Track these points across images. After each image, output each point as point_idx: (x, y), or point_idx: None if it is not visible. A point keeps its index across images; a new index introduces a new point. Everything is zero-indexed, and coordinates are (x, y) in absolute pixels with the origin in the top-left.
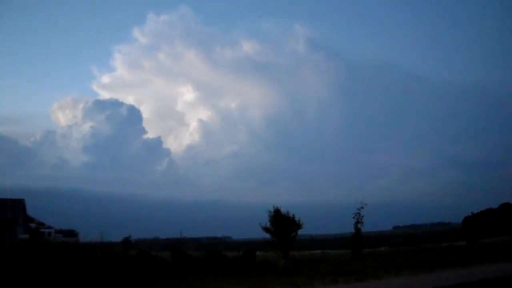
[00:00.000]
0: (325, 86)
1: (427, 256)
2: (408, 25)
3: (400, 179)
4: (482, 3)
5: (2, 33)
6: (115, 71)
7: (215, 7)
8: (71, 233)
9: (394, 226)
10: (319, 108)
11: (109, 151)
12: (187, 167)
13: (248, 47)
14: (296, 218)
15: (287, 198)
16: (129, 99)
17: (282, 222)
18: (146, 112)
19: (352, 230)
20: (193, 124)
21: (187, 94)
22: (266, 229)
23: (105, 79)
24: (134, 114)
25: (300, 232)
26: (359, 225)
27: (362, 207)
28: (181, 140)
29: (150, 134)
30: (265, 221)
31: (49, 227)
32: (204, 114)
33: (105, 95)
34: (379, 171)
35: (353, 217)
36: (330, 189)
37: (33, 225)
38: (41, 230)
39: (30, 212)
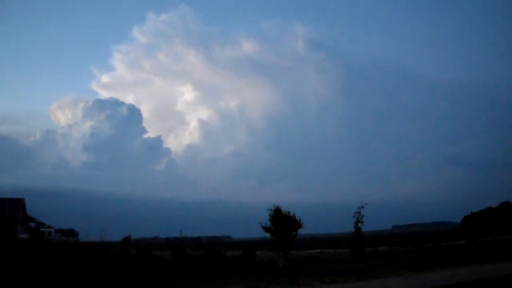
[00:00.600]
0: (325, 85)
1: (426, 256)
2: (408, 25)
3: (400, 179)
4: (482, 3)
5: (2, 33)
6: (115, 71)
7: (215, 7)
8: (71, 233)
9: (394, 225)
10: (319, 108)
11: (109, 151)
12: (187, 166)
13: (248, 47)
14: (297, 218)
15: (287, 197)
16: (129, 99)
17: (282, 222)
18: (146, 111)
19: (352, 229)
20: (193, 123)
21: (187, 93)
22: (266, 229)
23: (105, 78)
24: (134, 113)
25: (300, 231)
26: (359, 225)
27: (363, 207)
28: (181, 139)
29: (150, 134)
30: (265, 220)
31: (49, 227)
32: (204, 113)
33: (105, 94)
34: (379, 171)
35: (353, 217)
36: (330, 189)
37: (33, 224)
38: (41, 229)
39: (30, 211)
